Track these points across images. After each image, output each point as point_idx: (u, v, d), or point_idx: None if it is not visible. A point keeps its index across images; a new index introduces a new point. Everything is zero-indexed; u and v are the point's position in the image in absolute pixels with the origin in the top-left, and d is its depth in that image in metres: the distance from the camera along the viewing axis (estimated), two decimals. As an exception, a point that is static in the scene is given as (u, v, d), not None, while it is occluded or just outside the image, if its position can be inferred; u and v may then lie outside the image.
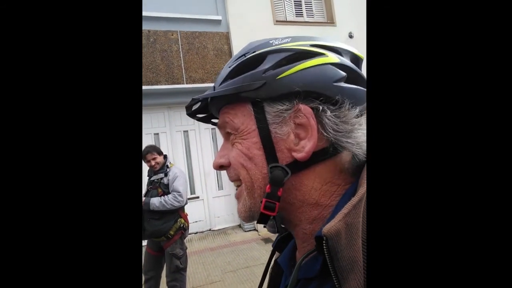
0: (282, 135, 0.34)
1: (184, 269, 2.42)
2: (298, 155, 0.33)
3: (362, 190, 0.31)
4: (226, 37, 4.71)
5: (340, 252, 0.28)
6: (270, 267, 0.46)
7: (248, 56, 0.36)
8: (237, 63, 0.37)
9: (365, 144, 0.34)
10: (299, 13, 5.39)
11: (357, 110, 0.35)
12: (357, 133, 0.34)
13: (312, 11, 5.48)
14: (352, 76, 0.36)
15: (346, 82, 0.35)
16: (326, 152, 0.34)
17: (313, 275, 0.32)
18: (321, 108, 0.34)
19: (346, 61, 0.37)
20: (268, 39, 0.38)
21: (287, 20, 5.18)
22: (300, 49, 0.36)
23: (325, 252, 0.28)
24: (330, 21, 5.42)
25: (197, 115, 0.44)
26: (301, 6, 5.41)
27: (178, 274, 2.37)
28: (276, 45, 0.37)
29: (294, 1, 5.38)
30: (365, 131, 0.34)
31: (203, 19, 4.60)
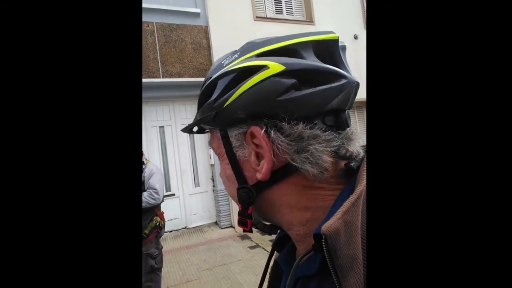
0: (245, 157, 0.35)
1: (160, 269, 2.36)
2: (259, 176, 0.34)
3: (360, 187, 0.30)
4: (205, 31, 4.61)
5: (339, 250, 0.28)
6: (270, 267, 0.45)
7: (205, 86, 0.37)
8: (200, 91, 0.38)
9: (320, 160, 0.32)
10: (279, 11, 5.41)
11: (319, 121, 0.33)
12: (311, 148, 0.32)
13: (292, 9, 5.53)
14: (308, 76, 0.32)
15: (298, 87, 0.31)
16: (288, 169, 0.33)
17: (312, 272, 0.32)
18: (268, 128, 0.32)
19: (297, 62, 0.32)
20: (221, 59, 0.37)
21: (267, 16, 5.18)
22: (243, 67, 0.33)
23: (324, 250, 0.28)
24: (309, 20, 5.50)
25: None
26: (281, 3, 5.43)
27: (153, 274, 2.30)
28: (226, 65, 0.36)
29: (274, -1, 5.40)
30: (318, 145, 0.32)
31: (181, 11, 4.45)
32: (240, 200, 0.36)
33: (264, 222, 0.40)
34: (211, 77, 0.36)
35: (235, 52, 0.36)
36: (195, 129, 0.41)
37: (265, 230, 0.40)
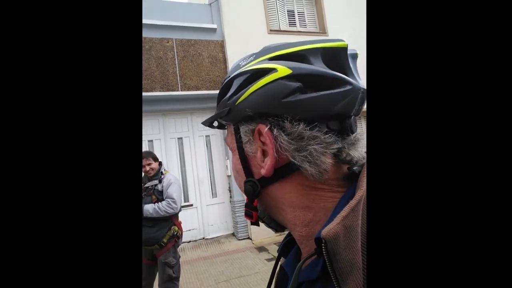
0: (252, 152, 0.37)
1: (177, 278, 2.37)
2: (262, 172, 0.36)
3: (360, 192, 0.31)
4: (221, 45, 4.75)
5: (339, 254, 0.28)
6: (276, 272, 0.45)
7: (223, 84, 0.40)
8: (220, 88, 0.41)
9: (319, 161, 0.33)
10: (292, 23, 5.49)
11: (321, 123, 0.34)
12: (310, 148, 0.33)
13: (304, 21, 5.59)
14: (312, 80, 0.33)
15: (303, 90, 0.33)
16: (290, 167, 0.35)
17: (314, 277, 0.32)
18: (272, 126, 0.34)
19: (304, 67, 0.34)
20: (240, 60, 0.40)
21: (281, 29, 5.27)
22: (255, 69, 0.36)
23: (324, 254, 0.29)
24: (322, 31, 5.53)
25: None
26: (294, 16, 5.52)
27: (170, 283, 2.31)
28: (242, 66, 0.38)
29: (288, 11, 5.49)
30: (317, 146, 0.33)
31: (198, 27, 4.63)
32: (246, 192, 0.38)
33: (270, 217, 0.41)
34: (229, 76, 0.39)
35: (252, 55, 0.39)
36: (215, 124, 0.44)
37: (271, 225, 0.41)
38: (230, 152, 0.43)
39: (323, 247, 0.29)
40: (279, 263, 0.46)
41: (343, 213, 0.30)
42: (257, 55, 0.38)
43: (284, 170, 0.35)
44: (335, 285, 0.28)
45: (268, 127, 0.34)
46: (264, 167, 0.36)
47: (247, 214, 0.40)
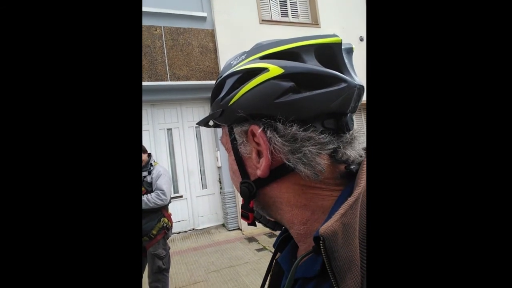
0: (247, 153, 0.37)
1: (167, 269, 2.37)
2: (258, 173, 0.35)
3: (358, 190, 0.31)
4: (212, 34, 4.66)
5: (337, 252, 0.28)
6: (272, 267, 0.46)
7: (216, 84, 0.39)
8: (213, 88, 0.40)
9: (314, 162, 0.33)
10: (284, 14, 5.42)
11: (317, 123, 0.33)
12: (304, 149, 0.32)
13: (297, 12, 5.53)
14: (306, 79, 0.32)
15: (296, 90, 0.32)
16: (285, 168, 0.34)
17: (312, 274, 0.32)
18: (265, 128, 0.34)
19: (296, 65, 0.33)
20: (231, 59, 0.39)
21: (273, 19, 5.20)
22: (246, 68, 0.35)
23: (322, 252, 0.29)
24: (315, 22, 5.50)
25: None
26: (286, 6, 5.45)
27: (160, 275, 2.32)
28: (234, 65, 0.37)
29: (280, 1, 5.41)
30: (312, 147, 0.32)
31: (187, 15, 4.52)
32: (242, 194, 0.38)
33: (267, 217, 0.41)
34: (221, 76, 0.38)
35: (244, 53, 0.38)
36: (211, 123, 0.42)
37: (268, 225, 0.41)
38: (220, 143, 0.42)
39: (321, 244, 0.29)
40: (275, 258, 0.46)
41: (341, 210, 0.30)
42: (249, 53, 0.37)
43: (279, 171, 0.35)
44: (333, 283, 0.28)
45: (262, 128, 0.34)
46: (259, 168, 0.35)
47: (244, 216, 0.39)
